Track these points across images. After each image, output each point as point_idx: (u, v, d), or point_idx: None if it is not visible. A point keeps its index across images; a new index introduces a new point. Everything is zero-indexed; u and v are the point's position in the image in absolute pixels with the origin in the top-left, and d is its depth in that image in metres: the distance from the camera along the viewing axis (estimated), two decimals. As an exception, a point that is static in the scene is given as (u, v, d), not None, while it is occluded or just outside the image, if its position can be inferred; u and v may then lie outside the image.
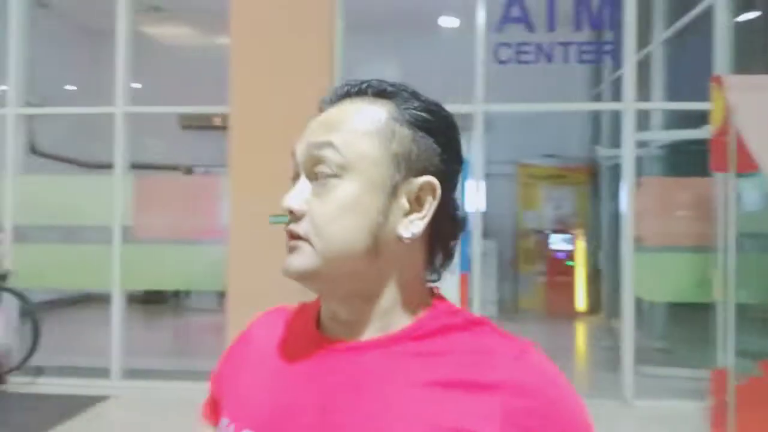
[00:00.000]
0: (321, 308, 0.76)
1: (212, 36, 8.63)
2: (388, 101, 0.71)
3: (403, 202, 0.69)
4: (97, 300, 7.70)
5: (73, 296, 8.16)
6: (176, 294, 8.40)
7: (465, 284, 4.61)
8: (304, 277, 0.68)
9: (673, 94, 6.04)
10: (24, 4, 5.11)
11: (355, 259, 0.68)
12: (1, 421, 4.33)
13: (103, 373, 4.78)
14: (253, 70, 4.39)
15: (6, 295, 4.84)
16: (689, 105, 4.91)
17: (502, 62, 4.49)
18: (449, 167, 0.72)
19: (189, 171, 7.53)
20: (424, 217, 0.69)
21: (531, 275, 8.45)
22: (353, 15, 4.72)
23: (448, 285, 3.35)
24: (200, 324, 7.65)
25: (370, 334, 0.71)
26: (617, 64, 5.25)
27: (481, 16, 4.51)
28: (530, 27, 4.46)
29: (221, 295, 7.11)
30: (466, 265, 4.59)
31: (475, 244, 4.59)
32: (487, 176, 4.73)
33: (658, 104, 6.05)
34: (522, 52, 4.49)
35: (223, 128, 8.37)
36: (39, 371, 4.86)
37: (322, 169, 0.69)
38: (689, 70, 6.06)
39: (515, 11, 4.46)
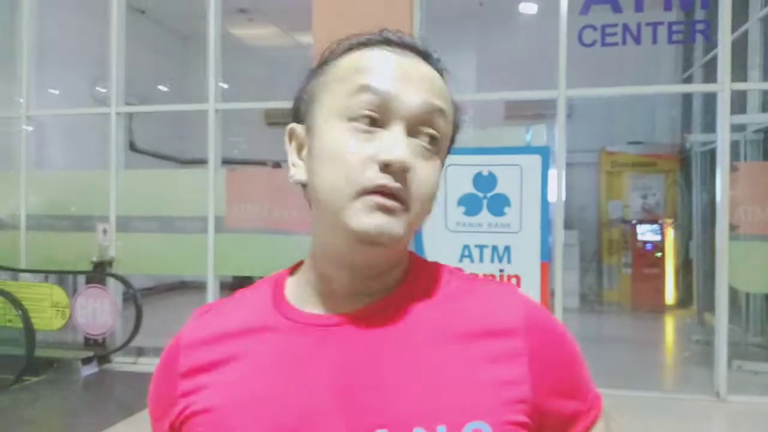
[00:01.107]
0: (302, 284, 0.70)
1: (296, 34, 8.88)
2: (443, 75, 0.69)
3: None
4: (191, 287, 8.15)
5: (170, 283, 8.66)
6: (263, 280, 8.71)
7: (546, 274, 4.54)
8: (394, 244, 0.63)
9: (771, 75, 5.69)
10: (123, 10, 5.44)
11: (415, 232, 0.67)
12: (106, 396, 4.67)
13: (197, 354, 5.03)
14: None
15: (111, 281, 5.20)
16: (790, 84, 4.62)
17: (586, 45, 4.36)
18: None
19: (277, 165, 7.78)
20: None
21: (616, 267, 8.18)
22: (433, 6, 4.74)
23: (530, 274, 3.32)
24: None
25: (370, 299, 0.67)
26: (710, 44, 5.00)
27: (563, -1, 4.41)
28: (616, 7, 4.31)
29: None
30: (546, 254, 4.52)
31: (557, 234, 4.51)
32: (570, 165, 4.61)
33: (756, 84, 5.70)
34: (608, 34, 4.34)
35: (306, 123, 8.64)
36: (140, 352, 5.20)
37: (433, 132, 0.64)
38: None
39: (600, -8, 4.33)
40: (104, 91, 5.80)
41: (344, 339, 0.64)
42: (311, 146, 0.66)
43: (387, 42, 0.67)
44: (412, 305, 0.67)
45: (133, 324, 5.02)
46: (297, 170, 0.69)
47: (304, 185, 0.68)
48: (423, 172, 0.63)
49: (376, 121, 0.62)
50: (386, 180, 0.60)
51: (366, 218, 0.61)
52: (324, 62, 0.69)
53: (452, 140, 0.70)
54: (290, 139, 0.70)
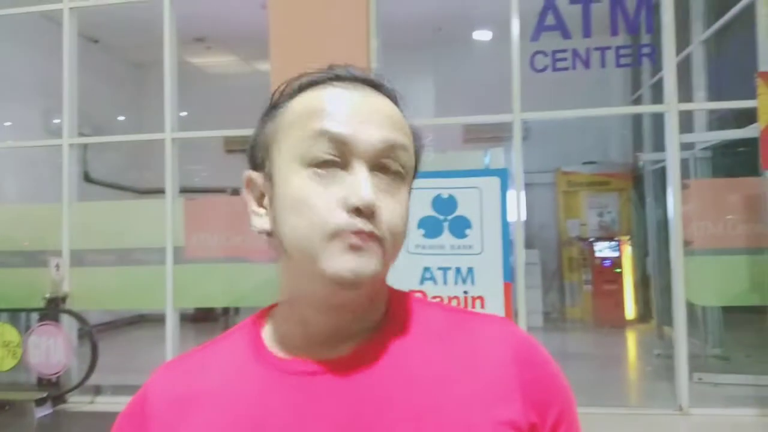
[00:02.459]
0: (280, 331, 0.68)
1: (254, 62, 8.88)
2: (398, 106, 0.69)
3: None
4: (150, 320, 7.95)
5: (128, 317, 8.42)
6: (226, 311, 8.57)
7: (509, 294, 4.58)
8: (371, 283, 0.62)
9: (714, 95, 5.93)
10: (75, 40, 5.35)
11: (392, 264, 0.66)
12: (63, 440, 4.48)
13: (158, 390, 4.89)
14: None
15: (65, 317, 5.02)
16: (734, 104, 4.80)
17: (538, 70, 4.48)
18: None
19: (236, 192, 7.72)
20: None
21: (577, 284, 8.31)
22: (388, 34, 4.81)
23: (493, 295, 3.34)
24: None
25: (353, 342, 0.66)
26: (656, 66, 5.18)
27: (515, 26, 4.53)
28: (566, 34, 4.45)
29: (269, 312, 7.25)
30: (509, 274, 4.56)
31: (518, 253, 4.57)
32: (528, 186, 4.70)
33: (702, 104, 5.93)
34: (559, 59, 4.47)
35: (266, 150, 8.63)
36: (97, 390, 5.02)
37: (395, 167, 0.64)
38: (730, 69, 5.94)
39: (550, 19, 4.46)
40: (59, 122, 5.67)
41: (333, 390, 0.62)
42: (274, 195, 0.65)
43: (337, 78, 0.66)
44: (398, 346, 0.65)
45: (89, 361, 4.85)
46: (259, 219, 0.68)
47: (269, 234, 0.67)
48: (390, 207, 0.63)
49: (338, 162, 0.62)
50: (358, 223, 0.60)
51: (340, 262, 0.60)
52: (275, 105, 0.68)
53: (416, 166, 0.70)
54: (248, 187, 0.69)
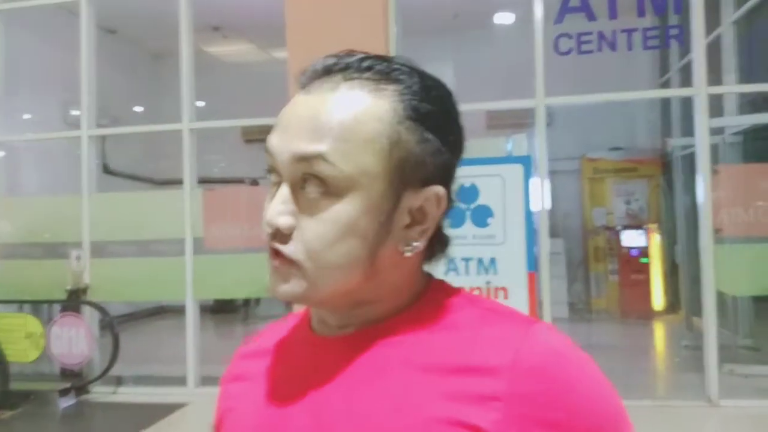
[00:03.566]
0: (311, 312, 0.71)
1: (271, 50, 8.83)
2: (390, 88, 0.60)
3: (404, 217, 0.61)
4: (170, 311, 8.00)
5: (148, 308, 8.48)
6: (246, 302, 8.59)
7: (533, 284, 4.49)
8: (294, 301, 0.62)
9: (745, 77, 5.73)
10: (93, 31, 5.35)
11: (350, 280, 0.60)
12: (85, 429, 4.53)
13: (179, 381, 4.92)
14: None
15: (87, 309, 5.06)
16: (766, 86, 4.63)
17: (562, 53, 4.36)
18: (452, 163, 0.63)
19: (255, 183, 7.70)
20: (426, 230, 0.62)
21: (602, 274, 8.15)
22: (408, 19, 4.71)
23: (517, 285, 3.26)
24: (270, 332, 7.79)
25: (360, 327, 0.66)
26: (685, 48, 5.01)
27: (539, 8, 4.40)
28: (590, 15, 4.31)
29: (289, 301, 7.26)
30: (532, 264, 4.47)
31: (542, 243, 4.47)
32: (552, 173, 4.59)
33: (733, 87, 5.73)
34: (584, 42, 4.34)
35: (285, 140, 8.61)
36: (119, 381, 5.06)
37: (312, 186, 0.58)
38: (762, 51, 5.73)
39: (574, 0, 4.33)
40: (77, 114, 5.68)
41: (328, 358, 0.64)
42: None
43: (310, 77, 0.62)
44: (400, 332, 0.62)
45: (110, 352, 4.88)
46: None
47: None
48: (310, 228, 0.59)
49: (276, 174, 0.62)
50: (271, 242, 0.60)
51: (269, 281, 0.62)
52: None
53: (412, 162, 0.60)
54: None
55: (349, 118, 0.58)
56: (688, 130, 5.36)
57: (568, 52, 4.36)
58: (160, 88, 8.80)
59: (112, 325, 4.97)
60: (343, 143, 0.58)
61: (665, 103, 7.80)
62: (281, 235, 0.59)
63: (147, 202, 5.45)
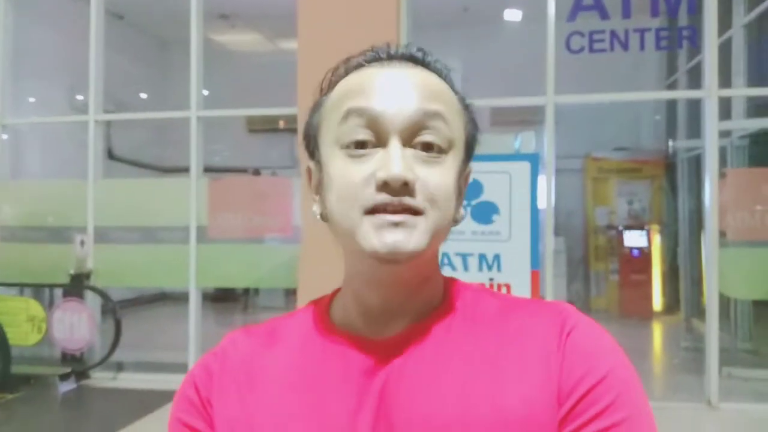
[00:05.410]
0: (342, 307, 0.70)
1: (278, 41, 8.80)
2: (444, 78, 0.68)
3: (461, 187, 0.69)
4: (172, 298, 8.00)
5: (150, 294, 8.49)
6: (246, 292, 8.60)
7: (537, 282, 4.50)
8: (414, 257, 0.61)
9: (754, 80, 5.72)
10: (101, 16, 5.32)
11: (444, 238, 0.65)
12: (85, 415, 4.53)
13: (180, 368, 4.92)
14: (321, 72, 4.40)
15: (89, 294, 5.06)
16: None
17: (574, 52, 4.34)
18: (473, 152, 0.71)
19: (257, 173, 7.70)
20: (462, 204, 0.69)
21: (603, 273, 8.17)
22: (418, 13, 4.70)
23: (521, 283, 3.26)
24: (269, 321, 7.80)
25: (407, 320, 0.67)
26: (696, 50, 5.00)
27: (551, 5, 4.38)
28: (604, 14, 4.30)
29: (288, 292, 7.29)
30: (537, 262, 4.47)
31: (547, 241, 4.47)
32: (556, 171, 4.59)
33: (744, 90, 5.72)
34: (596, 41, 4.33)
35: (288, 131, 8.61)
36: (120, 367, 5.07)
37: (432, 140, 0.62)
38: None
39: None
40: (82, 98, 5.66)
41: (383, 366, 0.64)
42: (321, 180, 0.67)
43: (376, 58, 0.67)
44: (449, 330, 0.66)
45: (112, 338, 4.88)
46: (315, 205, 0.70)
47: (323, 218, 0.68)
48: (429, 177, 0.62)
49: (371, 142, 0.62)
50: (385, 198, 0.60)
51: (376, 239, 0.60)
52: (323, 93, 0.70)
53: (471, 139, 0.69)
54: (308, 177, 0.72)
55: (446, 90, 0.67)
56: (694, 132, 5.38)
57: (580, 51, 4.35)
58: (166, 75, 8.78)
59: (114, 310, 4.97)
60: (451, 109, 0.65)
61: (671, 104, 7.79)
62: (405, 189, 0.60)
63: (152, 189, 5.44)
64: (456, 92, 0.68)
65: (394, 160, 0.60)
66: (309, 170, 0.71)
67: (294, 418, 0.64)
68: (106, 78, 5.35)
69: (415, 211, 0.60)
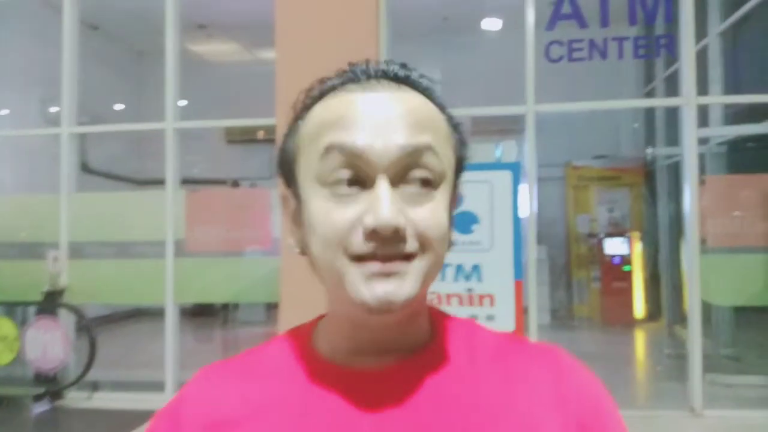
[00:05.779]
0: (327, 340, 0.65)
1: (256, 51, 8.75)
2: (429, 97, 0.63)
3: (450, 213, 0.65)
4: (148, 314, 7.85)
5: (125, 311, 8.32)
6: (225, 307, 8.48)
7: (520, 291, 4.48)
8: (406, 307, 0.57)
9: (730, 88, 5.81)
10: (75, 27, 5.22)
11: (435, 277, 0.61)
12: (60, 436, 4.40)
13: (157, 386, 4.81)
14: (300, 82, 4.34)
15: (62, 311, 4.93)
16: (755, 98, 4.67)
17: (554, 61, 4.36)
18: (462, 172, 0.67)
19: (236, 184, 7.61)
20: (451, 226, 0.65)
21: (585, 281, 8.20)
22: (396, 22, 4.68)
23: (504, 293, 3.23)
24: (248, 336, 7.69)
25: (398, 356, 0.63)
26: (673, 58, 5.05)
27: (530, 14, 4.39)
28: (582, 23, 4.32)
29: (269, 306, 7.20)
30: (520, 271, 4.45)
31: (530, 250, 4.45)
32: (537, 180, 4.60)
33: (722, 98, 5.80)
34: (575, 50, 4.35)
35: (266, 141, 8.55)
36: (95, 386, 4.93)
37: (423, 175, 0.58)
38: (747, 62, 5.81)
39: (566, 8, 4.33)
40: (56, 110, 5.55)
41: (377, 397, 0.61)
42: (300, 215, 0.62)
43: (353, 80, 0.61)
44: (443, 366, 0.63)
45: (87, 356, 4.75)
46: (292, 238, 0.66)
47: (302, 252, 0.65)
48: (420, 217, 0.57)
49: (358, 179, 0.57)
50: (374, 248, 0.55)
51: (366, 290, 0.56)
52: (297, 117, 0.64)
53: (461, 161, 0.65)
54: (284, 205, 0.67)
55: (434, 114, 0.61)
56: (672, 140, 5.41)
57: (559, 59, 4.36)
58: (142, 86, 8.67)
59: (89, 328, 4.85)
60: (438, 136, 0.60)
61: (649, 112, 7.88)
62: (399, 236, 0.56)
63: (127, 203, 5.32)
64: (443, 110, 0.63)
65: (383, 205, 0.55)
66: (284, 198, 0.67)
67: None
68: (80, 89, 5.25)
69: (407, 256, 0.57)
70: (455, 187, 0.65)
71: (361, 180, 0.57)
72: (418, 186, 0.58)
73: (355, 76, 0.61)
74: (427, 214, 0.57)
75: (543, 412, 0.61)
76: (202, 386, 0.67)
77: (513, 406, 0.61)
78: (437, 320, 0.68)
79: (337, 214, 0.57)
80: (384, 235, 0.55)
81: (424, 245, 0.57)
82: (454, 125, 0.64)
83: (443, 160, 0.59)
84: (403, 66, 0.63)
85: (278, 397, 0.63)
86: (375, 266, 0.56)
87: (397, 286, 0.56)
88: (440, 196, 0.59)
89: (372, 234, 0.55)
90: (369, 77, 0.61)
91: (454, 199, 0.65)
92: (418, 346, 0.64)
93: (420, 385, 0.61)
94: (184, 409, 0.65)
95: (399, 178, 0.57)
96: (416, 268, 0.57)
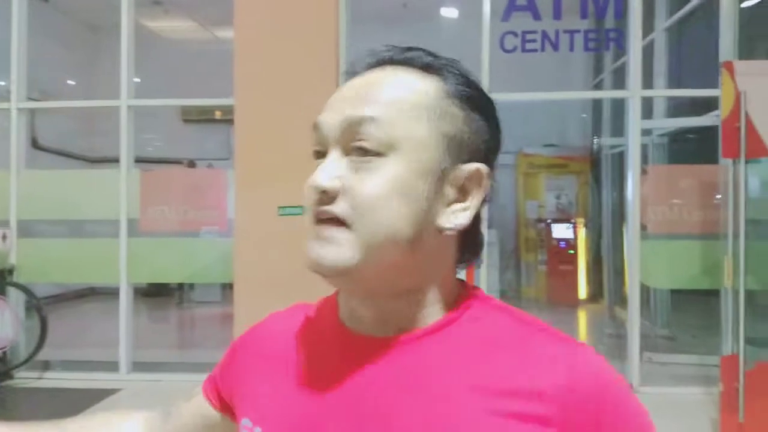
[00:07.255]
0: (339, 304, 0.69)
1: (214, 29, 8.59)
2: (435, 76, 0.64)
3: (448, 190, 0.62)
4: (101, 293, 7.72)
5: (77, 290, 8.15)
6: (180, 286, 8.40)
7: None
8: (339, 272, 0.59)
9: (673, 82, 6.05)
10: (25, -1, 5.07)
11: (397, 249, 0.60)
12: (8, 417, 4.30)
13: (111, 366, 4.78)
14: (258, 63, 4.36)
15: (12, 291, 4.82)
16: (696, 92, 4.90)
17: (508, 51, 4.47)
18: (494, 154, 0.67)
19: (192, 164, 7.51)
20: (467, 209, 0.63)
21: (533, 264, 8.46)
22: (356, 6, 4.70)
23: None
24: (205, 316, 7.66)
25: (397, 331, 0.64)
26: (620, 52, 5.24)
27: (486, 4, 4.49)
28: (536, 15, 4.44)
29: (224, 287, 7.17)
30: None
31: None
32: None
33: (665, 91, 6.05)
34: (528, 41, 4.47)
35: (224, 121, 8.45)
36: (46, 366, 4.86)
37: (363, 144, 0.60)
38: (690, 57, 6.07)
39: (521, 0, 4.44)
40: (3, 84, 5.37)
41: (368, 359, 0.63)
42: None
43: (351, 70, 0.67)
44: (445, 343, 0.62)
45: (37, 336, 4.68)
46: None
47: None
48: (362, 186, 0.59)
49: (325, 152, 0.63)
50: (314, 206, 0.60)
51: (308, 250, 0.61)
52: None
53: (458, 136, 0.63)
54: None
55: (398, 90, 0.62)
56: (617, 130, 5.64)
57: (513, 50, 4.48)
58: (95, 62, 8.42)
59: (39, 308, 4.76)
60: (391, 109, 0.61)
61: (597, 103, 8.13)
62: (327, 197, 0.60)
63: (80, 181, 5.21)
64: (447, 87, 0.63)
65: (320, 170, 0.60)
66: None
67: (284, 400, 0.67)
68: (30, 64, 5.10)
69: (341, 222, 0.59)
70: (455, 162, 0.63)
71: (325, 152, 0.63)
72: (360, 154, 0.60)
73: (352, 68, 0.67)
74: (363, 182, 0.59)
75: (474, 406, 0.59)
76: (274, 319, 0.77)
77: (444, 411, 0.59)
78: (465, 301, 0.66)
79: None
80: (314, 196, 0.60)
81: (359, 212, 0.59)
82: (465, 103, 0.63)
83: (394, 129, 0.60)
84: (412, 48, 0.66)
85: (306, 349, 0.69)
86: (316, 227, 0.60)
87: (326, 251, 0.59)
88: (388, 167, 0.59)
89: (314, 198, 0.60)
90: (370, 66, 0.66)
91: (468, 175, 0.63)
92: (424, 323, 0.64)
93: (392, 362, 0.62)
94: (249, 334, 0.77)
95: (346, 148, 0.61)
96: (349, 235, 0.59)
